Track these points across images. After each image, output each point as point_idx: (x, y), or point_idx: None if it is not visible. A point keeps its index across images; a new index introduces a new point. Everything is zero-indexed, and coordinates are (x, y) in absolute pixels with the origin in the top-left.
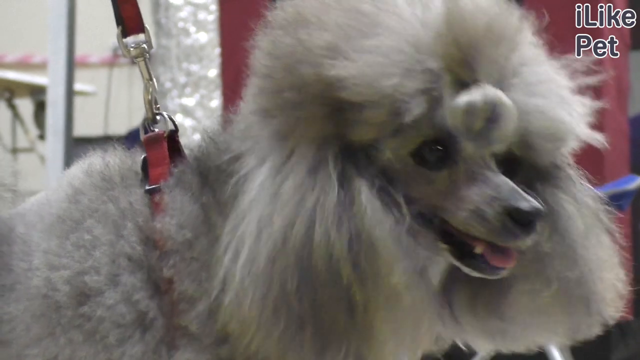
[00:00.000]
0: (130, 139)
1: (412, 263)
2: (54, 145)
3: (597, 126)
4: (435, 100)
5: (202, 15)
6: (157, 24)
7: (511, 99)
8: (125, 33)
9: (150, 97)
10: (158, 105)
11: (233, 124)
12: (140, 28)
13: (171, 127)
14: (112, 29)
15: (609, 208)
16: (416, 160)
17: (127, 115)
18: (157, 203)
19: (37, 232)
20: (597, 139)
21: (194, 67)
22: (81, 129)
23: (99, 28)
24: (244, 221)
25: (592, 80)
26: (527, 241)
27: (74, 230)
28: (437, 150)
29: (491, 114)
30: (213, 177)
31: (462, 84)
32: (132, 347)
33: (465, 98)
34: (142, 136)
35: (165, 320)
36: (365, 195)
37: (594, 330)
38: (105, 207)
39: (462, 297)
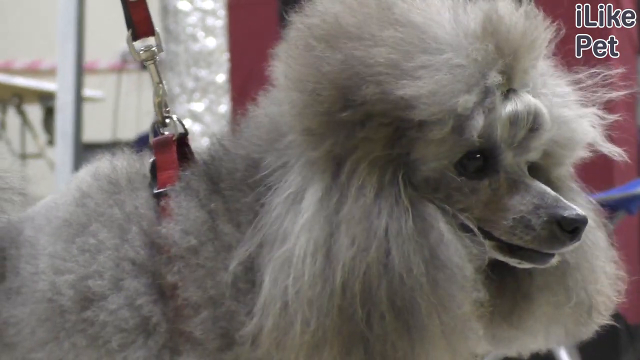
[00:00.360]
0: (139, 144)
1: (481, 293)
2: (63, 150)
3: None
4: (487, 111)
5: (210, 21)
6: (166, 29)
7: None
8: (135, 36)
9: (160, 100)
10: (168, 109)
11: (250, 131)
12: (150, 31)
13: (181, 130)
14: (120, 35)
15: (607, 220)
16: (459, 171)
17: (136, 121)
18: (163, 207)
19: (44, 235)
20: (615, 150)
21: (203, 73)
22: (90, 135)
23: (107, 34)
24: (298, 243)
25: (605, 95)
26: (571, 247)
27: (79, 234)
28: (477, 159)
29: (532, 123)
30: (225, 185)
31: (504, 94)
32: (135, 352)
33: (510, 108)
34: (152, 139)
35: (169, 326)
36: (442, 222)
37: (591, 333)
38: (111, 210)
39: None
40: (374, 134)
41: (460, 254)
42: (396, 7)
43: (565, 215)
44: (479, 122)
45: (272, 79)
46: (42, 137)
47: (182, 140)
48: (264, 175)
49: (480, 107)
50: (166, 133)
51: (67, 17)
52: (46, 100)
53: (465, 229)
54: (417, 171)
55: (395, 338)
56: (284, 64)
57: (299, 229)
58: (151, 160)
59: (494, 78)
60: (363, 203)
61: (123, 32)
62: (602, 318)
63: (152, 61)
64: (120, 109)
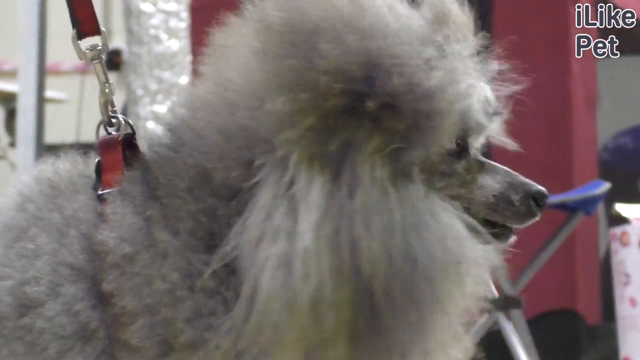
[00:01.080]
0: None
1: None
2: (24, 152)
3: (566, 132)
4: (478, 96)
5: (173, 23)
6: (129, 31)
7: None
8: (80, 35)
9: (105, 100)
10: (115, 108)
11: (197, 140)
12: (95, 30)
13: (128, 131)
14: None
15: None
16: (447, 155)
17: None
18: (102, 213)
19: None
20: (509, 143)
21: (166, 75)
22: (53, 137)
23: (70, 35)
24: (293, 239)
25: (517, 88)
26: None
27: (18, 239)
28: (458, 143)
29: (495, 108)
30: (163, 192)
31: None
32: (73, 359)
33: (487, 93)
34: (97, 140)
35: (108, 332)
36: (452, 215)
37: None
38: (50, 215)
39: None
40: (393, 125)
41: (477, 250)
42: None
43: (538, 189)
44: (478, 108)
45: (221, 86)
46: (4, 139)
47: (129, 141)
48: (233, 179)
49: (476, 89)
50: (112, 134)
51: (30, 18)
52: (8, 102)
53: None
54: (420, 158)
55: (409, 330)
56: (259, 65)
57: (307, 226)
58: (97, 161)
59: (476, 65)
60: (379, 194)
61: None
62: None
63: (97, 60)
64: (84, 110)
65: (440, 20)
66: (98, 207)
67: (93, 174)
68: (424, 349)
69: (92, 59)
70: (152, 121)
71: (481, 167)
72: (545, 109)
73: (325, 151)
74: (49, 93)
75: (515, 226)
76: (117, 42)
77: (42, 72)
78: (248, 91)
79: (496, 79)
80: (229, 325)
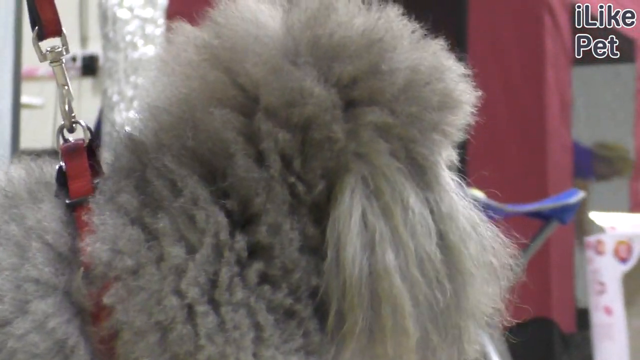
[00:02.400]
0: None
1: None
2: (0, 158)
3: (540, 140)
4: None
5: (149, 29)
6: (105, 37)
7: None
8: (41, 36)
9: (66, 104)
10: (74, 114)
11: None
12: (57, 31)
13: (89, 136)
14: (60, 41)
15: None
16: None
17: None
18: (84, 222)
19: None
20: None
21: (142, 81)
22: (29, 142)
23: (47, 40)
24: (410, 243)
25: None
26: None
27: None
28: None
29: None
30: (181, 202)
31: None
32: None
33: None
34: (59, 146)
35: (94, 345)
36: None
37: None
38: (7, 227)
39: None
40: (450, 137)
41: (505, 256)
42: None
43: None
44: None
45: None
46: None
47: (90, 147)
48: (315, 194)
49: None
50: (73, 139)
51: (5, 22)
52: None
53: None
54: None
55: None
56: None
57: (415, 233)
58: (57, 167)
59: None
60: (455, 200)
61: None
62: None
63: (57, 63)
64: (60, 116)
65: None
66: (65, 216)
67: (52, 181)
68: (462, 348)
69: (52, 61)
70: (128, 127)
71: None
72: (519, 117)
73: (415, 162)
74: (24, 98)
75: None
76: (93, 48)
77: (18, 77)
78: (334, 104)
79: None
80: (253, 339)
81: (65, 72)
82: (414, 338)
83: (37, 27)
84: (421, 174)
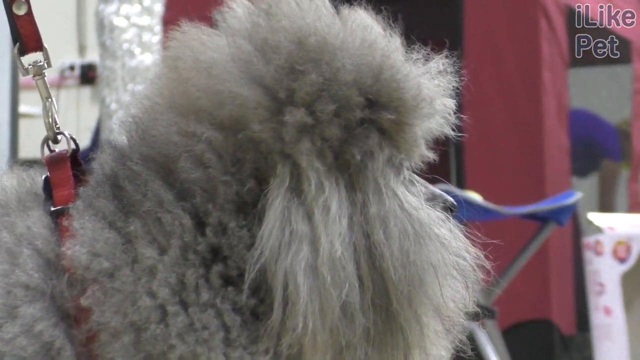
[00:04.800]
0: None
1: None
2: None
3: (538, 142)
4: None
5: (146, 37)
6: (102, 45)
7: None
8: (23, 51)
9: (50, 116)
10: (58, 125)
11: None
12: (38, 47)
13: (72, 147)
14: (58, 51)
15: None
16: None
17: (75, 137)
18: (66, 227)
19: None
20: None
21: (140, 89)
22: (28, 152)
23: (47, 49)
24: (325, 246)
25: (453, 81)
26: None
27: None
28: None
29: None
30: (147, 207)
31: None
32: None
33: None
34: (43, 156)
35: (78, 349)
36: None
37: None
38: None
39: None
40: (398, 137)
41: (464, 250)
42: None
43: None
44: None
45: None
46: None
47: (74, 157)
48: (246, 192)
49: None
50: (58, 150)
51: (2, 32)
52: None
53: None
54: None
55: (419, 332)
56: (267, 80)
57: (330, 233)
58: (43, 177)
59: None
60: (392, 202)
61: (60, 47)
62: None
63: (40, 76)
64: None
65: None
66: (52, 223)
67: (41, 191)
68: (425, 347)
69: (34, 75)
70: (111, 135)
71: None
72: (516, 119)
73: (344, 161)
74: (23, 108)
75: None
76: (91, 56)
77: (16, 86)
78: (259, 105)
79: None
80: (222, 338)
81: (48, 85)
82: (314, 337)
83: (18, 43)
84: (350, 174)
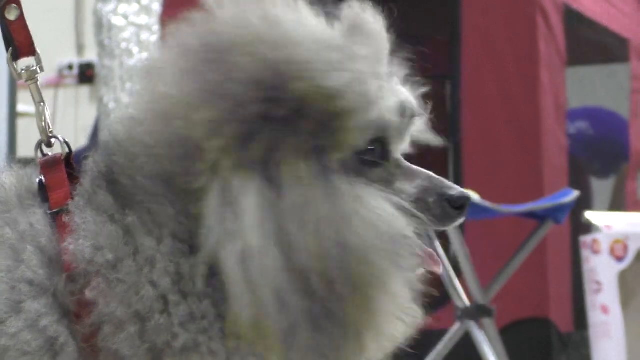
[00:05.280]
0: (75, 160)
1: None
2: None
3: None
4: (387, 99)
5: (145, 36)
6: (100, 45)
7: None
8: (16, 56)
9: (43, 120)
10: (51, 129)
11: (156, 149)
12: (31, 51)
13: (66, 150)
14: (56, 50)
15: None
16: (360, 160)
17: (73, 136)
18: (65, 224)
19: None
20: (435, 139)
21: (138, 88)
22: (26, 151)
23: (43, 49)
24: (246, 239)
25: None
26: (460, 221)
27: None
28: (375, 149)
29: (412, 112)
30: (140, 199)
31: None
32: None
33: (402, 97)
34: (37, 159)
35: (80, 344)
36: (380, 197)
37: None
38: (1, 231)
39: None
40: (303, 127)
41: (402, 221)
42: (289, 12)
43: (452, 193)
44: (392, 106)
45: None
46: None
47: (67, 160)
48: (187, 186)
49: (388, 93)
50: (51, 153)
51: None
52: None
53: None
54: (336, 159)
55: (357, 312)
56: (187, 83)
57: (248, 227)
58: (37, 180)
59: (386, 68)
60: (304, 191)
61: (59, 47)
62: None
63: (32, 81)
64: (57, 124)
65: (352, 29)
66: (52, 222)
67: (37, 192)
68: (373, 325)
69: (27, 80)
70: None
71: (402, 171)
72: (514, 118)
73: (251, 156)
74: (21, 107)
75: (436, 229)
76: (90, 56)
77: (14, 86)
78: (181, 103)
79: (411, 82)
80: (219, 328)
81: (41, 90)
82: (254, 325)
83: (10, 48)
84: (259, 168)
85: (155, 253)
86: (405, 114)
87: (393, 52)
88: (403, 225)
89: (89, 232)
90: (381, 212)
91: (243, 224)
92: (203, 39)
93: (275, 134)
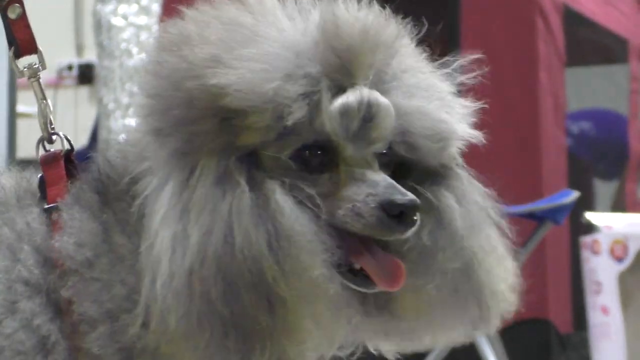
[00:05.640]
0: (78, 159)
1: (331, 256)
2: None
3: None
4: (315, 104)
5: (144, 36)
6: (100, 45)
7: (389, 100)
8: (18, 54)
9: (44, 117)
10: (53, 126)
11: (127, 146)
12: (33, 49)
13: (67, 147)
14: (56, 50)
15: (499, 206)
16: (297, 164)
17: (73, 136)
18: (55, 221)
19: None
20: (478, 137)
21: (137, 88)
22: (26, 151)
23: (42, 49)
24: (157, 240)
25: (470, 78)
26: (405, 234)
27: None
28: (318, 154)
29: (366, 114)
30: (113, 197)
31: (340, 89)
32: None
33: (340, 100)
34: (39, 156)
35: (67, 343)
36: (279, 193)
37: (492, 325)
38: (0, 231)
39: (356, 296)
40: (205, 126)
41: (299, 220)
42: (229, 12)
43: (391, 199)
44: (296, 110)
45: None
46: None
47: (68, 157)
48: (129, 181)
49: (303, 98)
50: (53, 150)
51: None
52: None
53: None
54: (257, 158)
55: (255, 312)
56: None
57: (157, 226)
58: (39, 176)
59: (316, 69)
60: (205, 190)
61: (58, 47)
62: (504, 304)
63: (35, 79)
64: (57, 124)
65: (323, 30)
66: (47, 220)
67: (37, 190)
68: (287, 330)
69: (30, 77)
70: (125, 134)
71: (352, 179)
72: (513, 119)
73: (172, 154)
74: (20, 107)
75: (379, 237)
76: (89, 56)
77: (14, 86)
78: (140, 113)
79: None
80: None
81: (43, 87)
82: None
83: (13, 47)
84: (180, 169)
85: (125, 251)
86: (351, 116)
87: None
88: (299, 224)
89: (74, 229)
90: (276, 209)
91: (155, 222)
92: (162, 37)
93: (185, 132)
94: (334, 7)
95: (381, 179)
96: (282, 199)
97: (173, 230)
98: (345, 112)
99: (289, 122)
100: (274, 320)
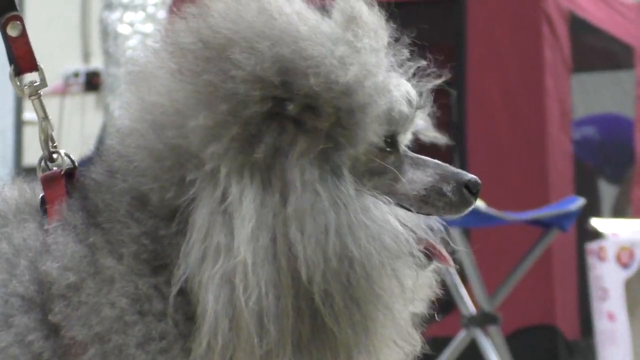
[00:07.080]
0: (82, 167)
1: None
2: (3, 175)
3: (541, 148)
4: (398, 91)
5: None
6: (106, 52)
7: None
8: (18, 72)
9: (45, 136)
10: (55, 144)
11: (126, 164)
12: (32, 67)
13: (69, 165)
14: (62, 58)
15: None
16: (377, 152)
17: (80, 144)
18: (45, 243)
19: None
20: (438, 137)
21: None
22: (33, 158)
23: (48, 57)
24: (231, 254)
25: (437, 83)
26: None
27: None
28: (387, 141)
29: (417, 102)
30: (104, 218)
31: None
32: None
33: (408, 88)
34: (39, 175)
35: None
36: (388, 213)
37: None
38: None
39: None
40: (317, 126)
41: (410, 242)
42: (274, 9)
43: (469, 179)
44: (399, 97)
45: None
46: None
47: (72, 175)
48: (164, 203)
49: (394, 84)
50: (54, 168)
51: None
52: None
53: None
54: (348, 157)
55: (352, 332)
56: (179, 85)
57: (242, 239)
58: (40, 196)
59: (391, 59)
60: (310, 197)
61: (65, 54)
62: None
63: (36, 96)
64: (64, 132)
65: (350, 21)
66: (43, 237)
67: (39, 207)
68: (369, 347)
69: (30, 95)
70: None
71: (411, 162)
72: (519, 125)
73: (253, 160)
74: (27, 115)
75: (450, 217)
76: (96, 63)
77: None
78: (173, 111)
79: (417, 73)
80: (181, 348)
81: (44, 106)
82: (223, 352)
83: (13, 65)
84: (261, 173)
85: (114, 273)
86: (411, 105)
87: (392, 44)
88: (408, 241)
89: (58, 253)
90: (386, 225)
91: (237, 236)
92: (197, 36)
93: (281, 135)
94: (353, 2)
95: (436, 162)
96: (389, 217)
97: (264, 243)
98: (411, 100)
99: (397, 112)
100: (364, 339)
